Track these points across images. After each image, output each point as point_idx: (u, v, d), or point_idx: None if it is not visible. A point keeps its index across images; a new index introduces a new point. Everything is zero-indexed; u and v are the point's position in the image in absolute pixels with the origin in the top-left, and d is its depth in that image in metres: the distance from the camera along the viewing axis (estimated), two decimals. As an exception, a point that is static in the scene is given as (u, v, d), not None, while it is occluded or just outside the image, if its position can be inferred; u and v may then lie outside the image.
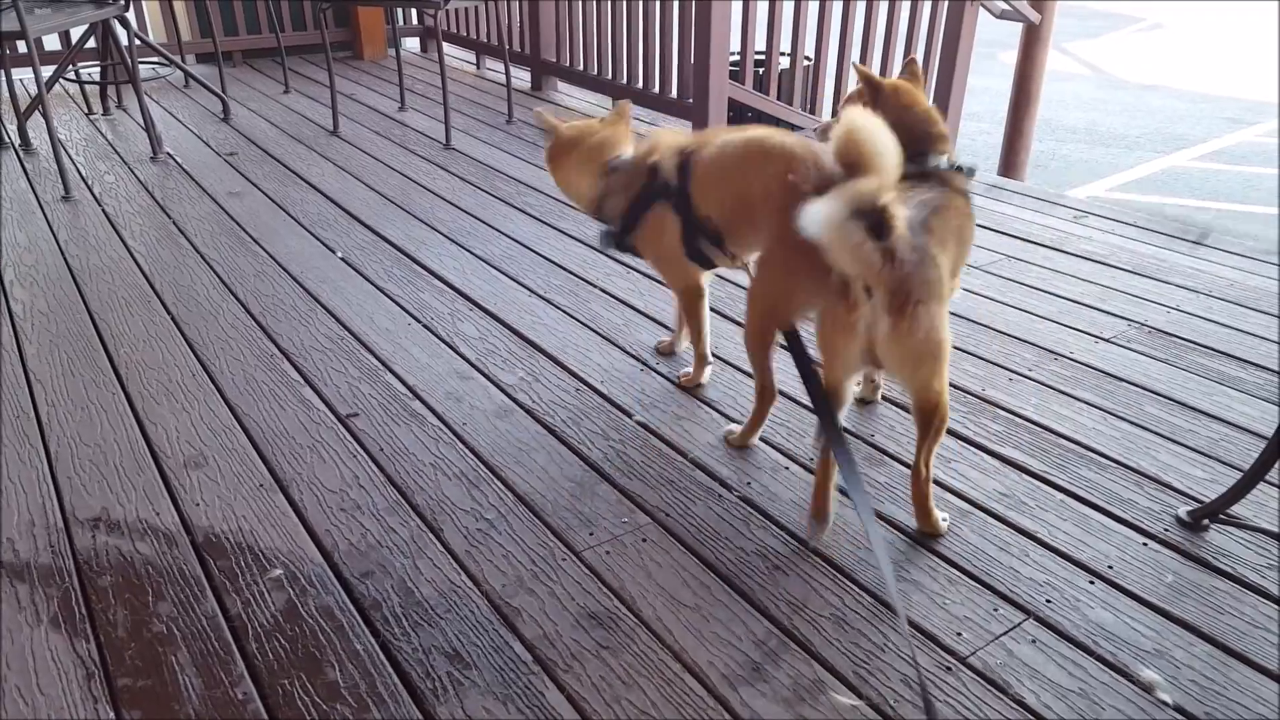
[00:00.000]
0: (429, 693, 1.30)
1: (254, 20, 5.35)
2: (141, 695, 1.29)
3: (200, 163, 3.71)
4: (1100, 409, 1.99)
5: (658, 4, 4.07)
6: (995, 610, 1.45)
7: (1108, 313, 2.44)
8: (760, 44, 4.13)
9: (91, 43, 4.18)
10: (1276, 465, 1.56)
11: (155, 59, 4.73)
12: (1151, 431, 1.91)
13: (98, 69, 4.44)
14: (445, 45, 5.51)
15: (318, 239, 2.96)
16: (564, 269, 2.75)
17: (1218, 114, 6.71)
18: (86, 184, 3.43)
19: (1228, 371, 2.14)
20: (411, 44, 6.13)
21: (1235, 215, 4.73)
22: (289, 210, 3.20)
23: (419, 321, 2.41)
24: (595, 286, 2.63)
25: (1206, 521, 1.62)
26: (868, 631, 1.41)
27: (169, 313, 2.44)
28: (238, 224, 3.08)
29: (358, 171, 3.63)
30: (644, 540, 1.60)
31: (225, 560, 1.55)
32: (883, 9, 4.01)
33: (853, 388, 1.60)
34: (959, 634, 1.40)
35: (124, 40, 3.78)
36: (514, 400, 2.04)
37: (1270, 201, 4.95)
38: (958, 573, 1.52)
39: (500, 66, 4.62)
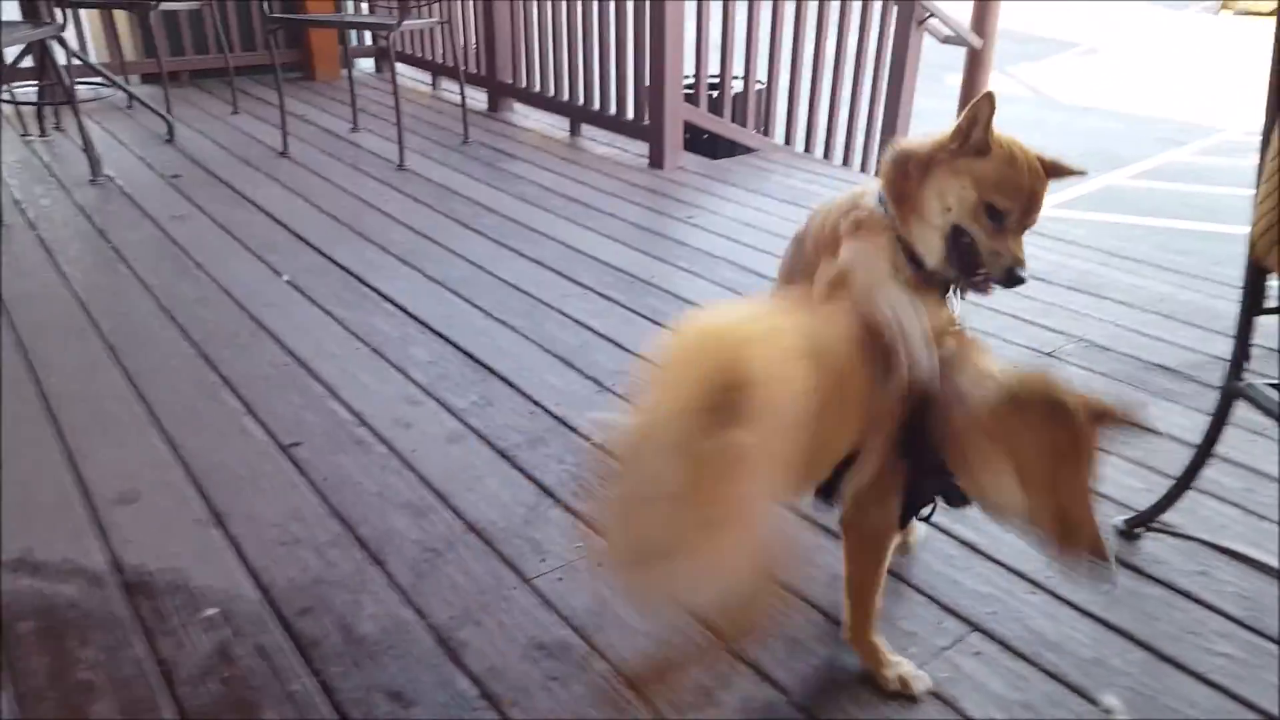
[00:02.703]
0: (369, 735, 1.24)
1: (201, 40, 5.26)
2: (61, 747, 1.22)
3: (142, 185, 3.61)
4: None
5: (613, 29, 4.08)
6: (940, 624, 1.45)
7: (1048, 328, 2.48)
8: (714, 68, 4.16)
9: (28, 62, 4.07)
10: (1205, 472, 1.58)
11: (96, 79, 4.62)
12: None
13: (35, 89, 4.32)
14: (400, 66, 5.47)
15: (264, 262, 2.89)
16: (520, 290, 2.72)
17: (1151, 134, 6.92)
18: (20, 208, 3.32)
19: (1162, 384, 2.18)
20: (366, 65, 6.07)
21: (1170, 232, 4.86)
22: (235, 233, 3.13)
23: (368, 346, 2.36)
24: (552, 308, 2.60)
25: (1140, 530, 1.64)
26: (817, 650, 1.39)
27: (105, 341, 2.36)
28: (180, 248, 2.99)
29: (307, 193, 3.56)
30: (597, 565, 1.57)
31: (156, 601, 1.48)
32: (833, 34, 4.07)
33: None
34: (906, 649, 1.39)
35: (62, 60, 3.68)
36: (466, 425, 2.00)
37: (1203, 218, 5.09)
38: (905, 587, 1.52)
39: (457, 88, 4.59)
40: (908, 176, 1.36)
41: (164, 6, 4.53)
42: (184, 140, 4.25)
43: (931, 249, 1.36)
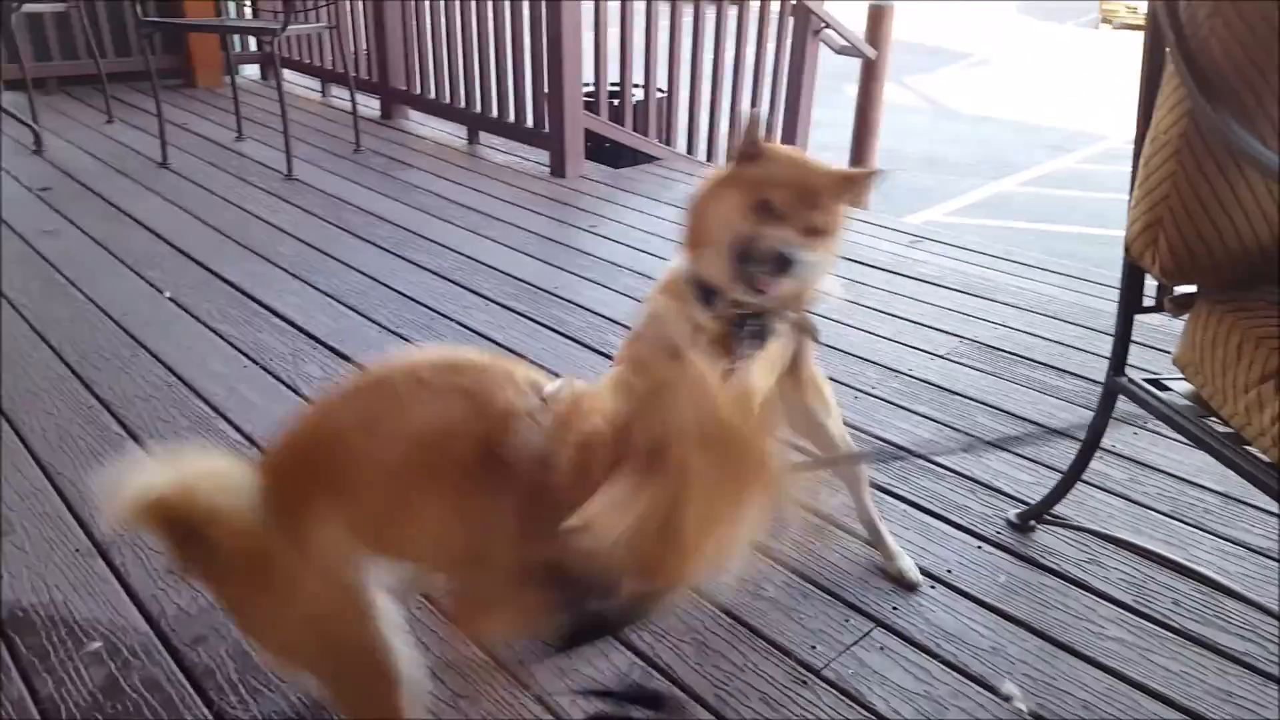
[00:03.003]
0: (270, 765, 1.20)
1: (70, 45, 4.97)
2: (-74, 804, 1.13)
3: (7, 199, 3.38)
4: (937, 421, 2.10)
5: (509, 34, 4.05)
6: (846, 621, 1.49)
7: (942, 331, 2.59)
8: (614, 76, 4.19)
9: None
10: (1092, 465, 1.68)
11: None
12: (983, 440, 2.03)
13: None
14: (289, 73, 5.30)
15: (143, 279, 2.75)
16: (418, 302, 2.67)
17: (1040, 142, 7.33)
18: None
19: (1049, 381, 2.31)
20: (252, 71, 5.86)
21: (1056, 236, 5.13)
22: (111, 249, 2.97)
23: (257, 364, 2.27)
24: (451, 320, 2.57)
25: (1033, 522, 1.72)
26: (728, 653, 1.41)
27: (-33, 364, 2.20)
28: (51, 265, 2.82)
29: (189, 206, 3.41)
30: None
31: (34, 637, 1.39)
32: (731, 43, 4.16)
33: None
34: (813, 647, 1.43)
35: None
36: (364, 442, 1.95)
37: (1088, 222, 5.39)
38: (811, 587, 1.56)
39: (347, 95, 4.47)
40: (697, 213, 1.36)
41: (27, 8, 4.27)
42: (54, 151, 4.01)
43: (718, 271, 1.31)
